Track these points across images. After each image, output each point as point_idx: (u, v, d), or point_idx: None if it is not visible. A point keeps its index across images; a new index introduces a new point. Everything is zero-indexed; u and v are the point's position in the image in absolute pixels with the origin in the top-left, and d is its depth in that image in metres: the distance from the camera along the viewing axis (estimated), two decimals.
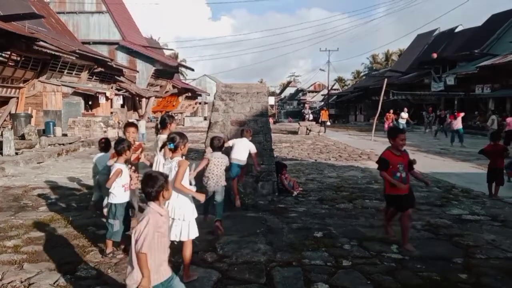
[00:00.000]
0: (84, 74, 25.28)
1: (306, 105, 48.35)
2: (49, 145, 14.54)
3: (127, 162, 4.69)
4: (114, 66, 28.20)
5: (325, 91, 67.05)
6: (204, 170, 5.31)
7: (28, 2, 24.57)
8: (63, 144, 15.15)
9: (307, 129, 24.45)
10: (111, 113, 26.32)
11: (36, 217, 5.83)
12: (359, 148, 16.31)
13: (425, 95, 33.00)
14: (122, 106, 29.90)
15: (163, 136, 5.42)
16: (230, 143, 6.53)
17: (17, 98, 21.01)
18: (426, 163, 11.09)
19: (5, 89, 20.04)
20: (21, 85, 21.09)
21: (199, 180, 5.10)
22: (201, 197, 3.90)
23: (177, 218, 3.74)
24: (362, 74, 76.48)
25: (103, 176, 5.39)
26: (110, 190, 4.41)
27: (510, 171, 8.77)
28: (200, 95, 53.88)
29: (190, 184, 3.99)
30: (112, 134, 18.48)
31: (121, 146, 4.48)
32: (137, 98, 32.96)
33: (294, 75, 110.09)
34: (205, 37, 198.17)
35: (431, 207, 6.66)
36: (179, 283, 2.84)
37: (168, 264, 2.77)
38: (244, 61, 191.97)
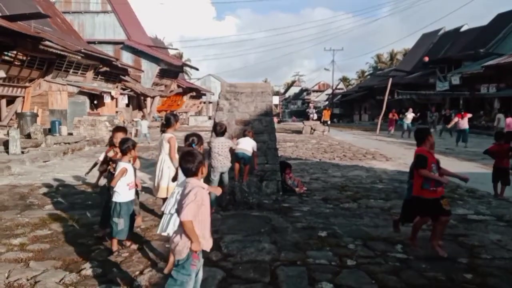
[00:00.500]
0: (90, 74, 25.41)
1: (310, 104, 48.18)
2: (54, 144, 14.62)
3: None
4: (119, 65, 28.31)
5: (329, 91, 66.97)
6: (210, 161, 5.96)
7: (33, 2, 24.71)
8: (69, 143, 15.23)
9: (312, 128, 24.40)
10: (116, 112, 26.45)
11: (42, 216, 5.87)
12: (364, 147, 16.27)
13: (430, 95, 32.81)
14: (127, 105, 30.02)
15: (168, 135, 5.46)
16: (235, 141, 6.74)
17: (23, 97, 21.17)
18: None
19: (11, 88, 20.20)
20: (27, 84, 21.23)
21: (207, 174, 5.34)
22: (218, 191, 3.89)
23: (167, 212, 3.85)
24: (366, 73, 76.28)
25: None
26: (114, 189, 4.44)
27: None
28: (204, 94, 54.00)
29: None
30: None
31: (126, 146, 4.50)
32: (142, 98, 33.08)
33: (298, 74, 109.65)
34: (209, 36, 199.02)
35: None
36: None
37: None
38: (248, 61, 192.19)
